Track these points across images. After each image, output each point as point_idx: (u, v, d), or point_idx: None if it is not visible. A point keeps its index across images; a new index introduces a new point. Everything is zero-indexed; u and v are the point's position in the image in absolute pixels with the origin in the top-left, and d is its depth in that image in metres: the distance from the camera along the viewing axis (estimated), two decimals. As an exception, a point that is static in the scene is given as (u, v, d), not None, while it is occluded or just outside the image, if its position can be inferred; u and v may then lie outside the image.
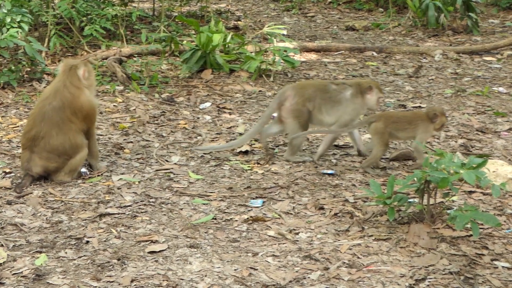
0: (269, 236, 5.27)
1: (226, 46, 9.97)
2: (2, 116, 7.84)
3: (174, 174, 6.41)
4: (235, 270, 4.78)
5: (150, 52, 10.32)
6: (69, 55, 10.19)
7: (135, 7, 12.73)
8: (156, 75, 9.21)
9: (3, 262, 4.82)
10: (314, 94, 6.70)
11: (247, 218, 5.53)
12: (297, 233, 5.32)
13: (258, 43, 10.35)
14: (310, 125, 6.78)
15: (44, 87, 8.72)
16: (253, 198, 5.89)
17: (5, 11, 8.71)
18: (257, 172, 6.50)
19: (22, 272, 4.71)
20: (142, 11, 12.18)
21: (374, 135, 6.49)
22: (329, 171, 6.48)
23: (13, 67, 8.85)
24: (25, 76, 8.99)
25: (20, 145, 6.59)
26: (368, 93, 6.69)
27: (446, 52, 10.97)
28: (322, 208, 5.72)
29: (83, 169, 6.31)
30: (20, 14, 8.80)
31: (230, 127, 7.66)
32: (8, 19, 8.64)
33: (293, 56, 10.04)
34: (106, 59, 9.87)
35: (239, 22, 13.08)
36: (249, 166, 6.61)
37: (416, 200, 5.48)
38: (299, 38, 11.89)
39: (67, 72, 6.24)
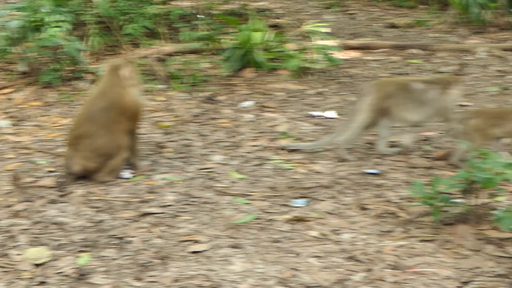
0: (312, 236, 5.24)
1: (267, 44, 9.93)
2: (45, 115, 7.90)
3: (216, 173, 6.40)
4: (277, 271, 4.76)
5: (191, 50, 10.33)
6: (109, 54, 10.23)
7: (175, 5, 12.76)
8: (197, 74, 9.22)
9: (47, 261, 4.83)
10: (395, 91, 6.70)
11: (290, 218, 5.50)
12: (340, 234, 5.28)
13: (299, 41, 10.31)
14: (389, 123, 6.75)
15: (86, 86, 8.77)
16: (296, 198, 5.87)
17: (46, 11, 8.77)
18: (299, 171, 6.46)
19: (64, 271, 4.72)
20: (182, 10, 12.19)
21: (474, 132, 6.38)
22: (373, 171, 6.43)
23: (54, 66, 8.90)
24: (66, 75, 9.05)
25: (64, 143, 6.63)
26: (454, 88, 6.67)
27: (490, 49, 10.83)
28: (365, 208, 5.68)
29: (127, 174, 6.31)
30: (61, 13, 8.87)
31: (271, 126, 7.64)
32: (49, 19, 8.70)
33: (335, 54, 9.98)
34: (146, 57, 9.90)
35: (279, 20, 13.04)
36: (291, 165, 6.58)
37: (461, 200, 5.41)
38: (340, 36, 11.81)
39: (111, 72, 6.27)
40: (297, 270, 4.78)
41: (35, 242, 5.09)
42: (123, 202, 5.78)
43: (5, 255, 4.92)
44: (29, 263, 4.80)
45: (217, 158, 6.75)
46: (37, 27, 8.76)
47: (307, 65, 9.45)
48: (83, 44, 9.74)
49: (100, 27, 10.40)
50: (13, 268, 4.75)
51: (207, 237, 5.20)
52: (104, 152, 6.11)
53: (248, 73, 9.45)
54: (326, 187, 6.09)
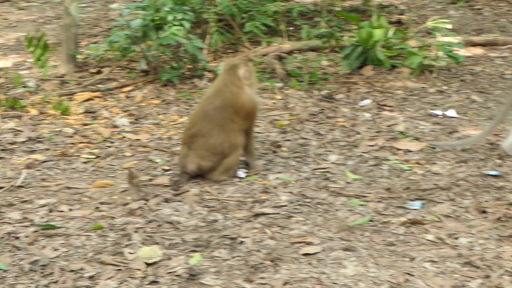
0: (428, 240, 5.09)
1: (388, 41, 9.77)
2: (164, 113, 7.99)
3: (331, 173, 6.32)
4: (390, 275, 4.64)
5: (310, 48, 10.25)
6: (229, 52, 10.28)
7: (297, 2, 12.72)
8: (316, 72, 9.14)
9: (159, 260, 4.87)
10: None
11: (405, 220, 5.36)
12: (457, 238, 5.11)
13: (421, 38, 10.08)
14: None
15: (205, 84, 8.83)
16: (412, 200, 5.72)
17: (167, 9, 8.86)
18: (417, 172, 6.31)
19: (176, 271, 4.74)
20: (303, 7, 12.13)
21: None
22: (493, 172, 6.21)
23: (174, 65, 9.01)
24: (186, 73, 9.14)
25: (179, 142, 6.69)
26: None
27: None
28: (484, 212, 5.48)
29: (241, 174, 6.31)
30: (182, 12, 8.93)
31: (390, 125, 7.49)
32: (170, 17, 8.79)
33: (458, 51, 9.71)
34: (266, 55, 9.88)
35: (402, 16, 12.80)
36: (408, 166, 6.43)
37: None
38: (465, 32, 11.49)
39: (228, 71, 6.28)
40: (411, 275, 4.65)
41: (148, 241, 5.14)
42: (236, 202, 5.78)
43: (119, 253, 4.98)
44: (141, 262, 4.84)
45: (333, 158, 6.66)
46: (159, 25, 8.86)
47: (428, 62, 9.23)
48: (204, 42, 9.82)
49: (221, 25, 10.46)
50: (126, 266, 4.80)
51: (319, 239, 5.13)
52: (219, 151, 6.12)
53: (368, 71, 9.31)
54: (444, 189, 5.91)
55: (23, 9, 14.14)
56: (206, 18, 10.16)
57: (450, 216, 5.44)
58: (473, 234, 5.16)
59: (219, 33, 10.05)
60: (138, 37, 8.94)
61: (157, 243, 5.10)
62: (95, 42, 10.91)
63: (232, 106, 6.14)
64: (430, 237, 5.13)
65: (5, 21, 12.91)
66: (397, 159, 6.60)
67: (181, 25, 8.86)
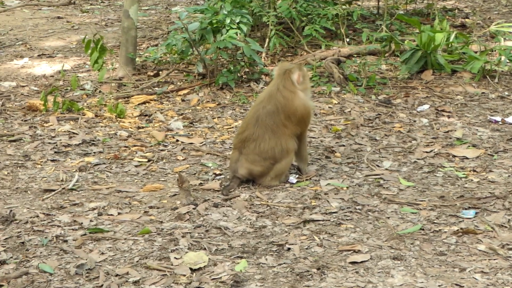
0: (479, 250, 4.98)
1: (449, 45, 9.62)
2: (218, 117, 7.99)
3: (384, 180, 6.24)
4: (439, 286, 4.55)
5: (370, 52, 10.16)
6: (288, 56, 10.24)
7: (359, 5, 12.61)
8: (374, 76, 9.04)
9: (204, 266, 4.85)
10: None
11: (457, 229, 5.26)
12: (511, 249, 4.98)
13: (484, 42, 9.90)
14: None
15: (262, 88, 8.81)
16: (466, 209, 5.61)
17: (225, 13, 8.87)
18: (472, 180, 6.18)
19: (221, 277, 4.73)
20: (365, 10, 12.03)
21: None
22: (552, 182, 6.05)
23: (231, 68, 9.01)
24: (243, 77, 9.13)
25: (232, 146, 6.68)
26: None
27: None
28: (540, 222, 5.34)
29: (293, 179, 6.27)
30: (240, 15, 8.92)
31: (447, 131, 7.37)
32: (228, 20, 8.80)
33: (521, 55, 9.50)
34: (324, 59, 9.82)
35: (466, 20, 12.60)
36: (464, 174, 6.31)
37: None
38: (531, 36, 11.25)
39: (281, 76, 6.25)
40: (460, 286, 4.55)
41: (195, 246, 5.14)
42: (286, 207, 5.74)
43: (165, 258, 4.98)
44: (187, 267, 4.83)
45: (387, 164, 6.58)
46: (217, 28, 8.88)
47: (490, 67, 9.06)
48: (262, 46, 9.81)
49: (280, 29, 10.43)
50: (171, 272, 4.80)
51: (368, 247, 5.06)
52: (270, 156, 6.09)
53: (427, 75, 9.18)
54: (500, 197, 5.78)
55: (86, 12, 14.33)
56: (265, 21, 10.14)
57: (504, 226, 5.32)
58: (527, 245, 5.03)
59: (278, 36, 10.02)
60: (196, 40, 8.97)
61: (203, 249, 5.09)
62: (155, 45, 10.98)
63: (284, 110, 6.10)
64: (482, 247, 5.02)
65: (68, 24, 13.08)
66: (452, 166, 6.48)
67: (239, 28, 8.85)
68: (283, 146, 6.12)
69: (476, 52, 9.47)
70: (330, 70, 9.28)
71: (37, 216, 5.61)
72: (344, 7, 11.21)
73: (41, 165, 6.70)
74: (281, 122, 6.10)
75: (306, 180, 6.28)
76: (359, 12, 11.15)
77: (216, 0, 9.22)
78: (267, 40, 10.11)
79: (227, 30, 8.80)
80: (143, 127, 7.71)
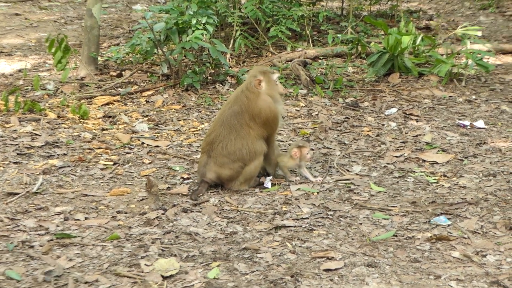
0: (454, 257, 4.99)
1: (416, 48, 9.68)
2: (184, 119, 7.94)
3: (355, 185, 6.24)
4: (414, 294, 4.55)
5: (336, 54, 10.19)
6: (253, 57, 10.23)
7: (323, 6, 12.64)
8: (341, 79, 9.06)
9: (176, 273, 4.79)
10: None
11: (431, 236, 5.26)
12: (485, 256, 5.00)
13: (450, 45, 9.98)
14: None
15: (227, 89, 8.78)
16: (438, 215, 5.62)
17: (191, 13, 8.83)
18: (443, 185, 6.21)
19: (193, 285, 4.67)
20: (330, 11, 12.06)
21: None
22: (524, 187, 6.10)
23: (197, 69, 8.96)
24: (208, 78, 9.09)
25: (199, 149, 6.64)
26: None
27: None
28: (514, 229, 5.38)
29: (268, 183, 6.25)
30: (206, 15, 8.88)
31: (416, 135, 7.40)
32: (194, 21, 8.75)
33: (488, 59, 9.59)
34: (291, 61, 9.82)
35: (431, 22, 12.70)
36: (435, 179, 6.33)
37: None
38: (495, 39, 11.38)
39: (248, 78, 6.25)
40: (436, 294, 4.56)
41: (165, 252, 5.07)
42: (257, 213, 5.70)
43: (135, 264, 4.91)
44: (158, 274, 4.76)
45: (357, 168, 6.58)
46: (182, 29, 8.82)
47: (457, 70, 9.12)
48: (227, 47, 9.77)
49: (245, 29, 10.41)
50: (141, 279, 4.73)
51: (341, 254, 5.04)
52: (238, 157, 6.06)
53: (394, 78, 9.22)
54: (472, 203, 5.81)
55: (45, 9, 14.17)
56: (230, 22, 10.12)
57: (478, 232, 5.34)
58: (501, 251, 5.05)
59: (243, 37, 10.00)
60: (161, 40, 8.91)
61: (174, 255, 5.03)
62: (117, 44, 10.90)
63: (248, 111, 6.09)
64: (456, 254, 5.03)
65: (27, 21, 12.92)
66: (423, 171, 6.51)
67: (205, 29, 8.81)
68: (250, 147, 6.09)
69: (442, 55, 9.54)
70: (296, 72, 9.28)
71: (1, 221, 5.51)
72: (308, 7, 11.23)
73: (4, 167, 6.59)
74: (245, 123, 6.09)
75: (276, 184, 6.25)
76: (325, 13, 11.18)
77: (181, 0, 9.16)
78: (231, 40, 10.09)
79: (193, 31, 8.76)
80: (107, 129, 7.63)
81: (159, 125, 7.75)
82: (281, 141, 7.19)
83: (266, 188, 6.21)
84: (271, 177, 6.36)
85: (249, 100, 6.10)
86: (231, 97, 6.31)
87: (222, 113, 6.19)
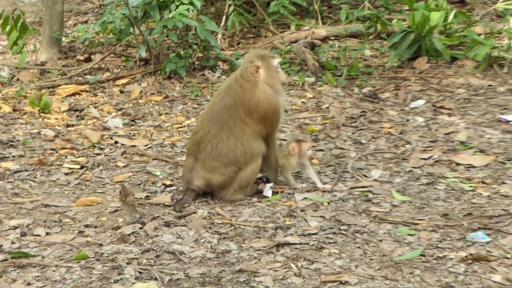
0: (494, 282, 4.99)
1: (447, 27, 9.68)
2: (166, 113, 7.96)
3: (373, 193, 6.25)
4: (446, 326, 4.56)
5: (351, 34, 10.20)
6: (250, 37, 10.25)
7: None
8: (357, 64, 9.07)
9: (156, 301, 4.81)
10: None
11: (466, 256, 5.27)
12: (531, 280, 5.01)
13: (489, 23, 9.98)
14: None
15: (218, 77, 8.78)
16: (475, 230, 5.62)
17: (175, -16, 8.83)
18: (481, 194, 6.22)
19: (177, 315, 4.69)
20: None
21: None
22: None
23: (181, 53, 8.96)
24: (195, 63, 9.10)
25: (185, 150, 6.64)
26: None
27: None
28: None
29: (268, 191, 6.26)
30: (192, -13, 8.89)
31: (448, 133, 7.42)
32: (178, -6, 8.77)
33: (534, 40, 9.61)
34: (295, 42, 9.83)
35: (466, -6, 12.72)
36: (471, 186, 6.34)
37: None
38: (544, 16, 11.39)
39: (244, 64, 6.24)
40: (472, 326, 4.57)
41: (143, 275, 5.08)
42: (254, 227, 5.71)
43: (107, 290, 4.93)
44: (132, 301, 4.78)
45: (376, 173, 6.59)
46: (164, 4, 8.81)
47: (498, 54, 9.13)
48: (218, 25, 9.78)
49: (241, 4, 10.42)
50: (114, 307, 4.75)
51: (357, 278, 5.05)
52: (232, 160, 6.06)
53: (421, 63, 9.24)
54: (516, 216, 5.84)
55: (-3, -21, 14.19)
56: (222, -5, 10.16)
57: (523, 252, 5.36)
58: (551, 275, 5.07)
59: (238, 13, 10.00)
60: (138, 17, 8.91)
61: (154, 279, 5.03)
62: (85, 22, 10.92)
63: (242, 103, 6.07)
64: (497, 277, 5.03)
65: (-25, -6, 12.95)
66: (456, 177, 6.52)
67: (191, 3, 8.81)
68: (246, 148, 6.08)
69: (480, 35, 9.54)
70: (302, 56, 9.29)
71: None
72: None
73: None
74: (239, 118, 6.07)
75: (278, 193, 6.26)
76: (337, -16, 11.19)
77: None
78: (223, 18, 10.10)
79: (177, 6, 8.76)
80: (73, 125, 7.65)
81: (136, 121, 7.76)
82: (284, 139, 7.19)
83: (266, 197, 6.22)
84: (271, 183, 6.35)
85: (244, 90, 6.09)
86: (222, 87, 6.31)
87: (211, 106, 6.19)
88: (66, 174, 6.62)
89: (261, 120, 6.12)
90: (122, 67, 9.17)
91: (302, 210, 5.96)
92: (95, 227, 5.71)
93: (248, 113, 6.08)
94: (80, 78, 8.82)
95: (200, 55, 9.20)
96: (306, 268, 5.18)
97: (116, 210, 5.94)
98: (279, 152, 6.41)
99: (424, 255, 5.31)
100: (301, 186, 6.33)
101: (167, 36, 8.87)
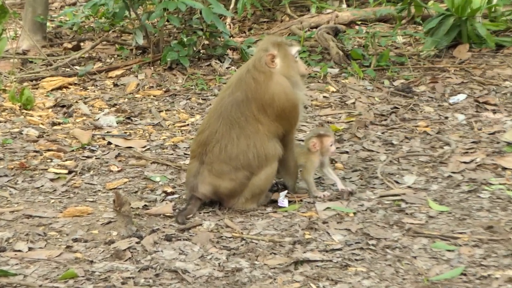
0: (546, 305, 5.00)
1: (492, 9, 9.68)
2: (167, 110, 7.97)
3: (406, 202, 6.25)
4: None
5: (380, 18, 10.21)
6: (264, 22, 10.26)
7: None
8: (387, 53, 9.07)
9: (155, 327, 4.83)
10: None
11: (514, 276, 5.27)
12: None
13: (541, 6, 10.01)
14: None
15: (227, 68, 8.79)
16: (524, 244, 5.63)
17: (177, -39, 8.85)
18: (532, 203, 6.23)
19: None
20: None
21: None
22: None
23: (185, 40, 8.97)
24: (201, 52, 9.11)
25: (189, 152, 6.65)
26: None
27: None
28: None
29: (284, 201, 6.26)
30: (197, -36, 8.91)
31: (493, 133, 7.41)
32: (180, -28, 8.78)
33: None
34: (316, 28, 9.84)
35: (513, -28, 12.73)
36: (520, 194, 6.36)
37: None
38: None
39: (257, 53, 6.23)
40: None
41: (141, 297, 5.10)
42: (269, 242, 5.70)
43: (99, 314, 4.95)
44: (130, 328, 4.80)
45: (409, 179, 6.59)
46: (164, -17, 8.85)
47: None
48: (227, 8, 9.79)
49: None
50: (107, 334, 4.77)
51: (388, 300, 5.06)
52: (243, 164, 6.06)
53: (463, 52, 9.24)
54: None
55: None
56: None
57: None
58: None
59: (250, -5, 10.03)
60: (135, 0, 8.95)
61: (153, 302, 5.06)
62: (73, 4, 10.95)
63: (255, 98, 6.06)
64: (552, 303, 5.04)
65: None
66: (503, 183, 6.51)
67: (196, -18, 8.84)
68: (259, 149, 6.08)
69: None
70: (324, 44, 9.30)
71: None
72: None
73: None
74: (252, 115, 6.06)
75: (296, 202, 6.26)
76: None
77: None
78: (233, 0, 10.12)
79: (181, -14, 8.77)
80: (59, 124, 7.66)
81: (132, 118, 7.78)
82: (302, 140, 7.19)
83: (282, 207, 6.21)
84: (286, 191, 6.35)
85: (257, 83, 6.09)
86: (232, 79, 6.31)
87: (220, 102, 6.19)
88: (51, 180, 6.64)
89: (277, 117, 6.12)
90: (116, 56, 9.19)
91: (324, 222, 5.96)
92: (85, 241, 5.72)
93: (262, 109, 6.07)
94: (68, 69, 8.85)
95: (206, 42, 9.21)
96: (329, 288, 5.19)
97: (110, 222, 5.96)
98: (298, 150, 6.40)
99: (465, 274, 5.30)
100: (322, 194, 6.33)
101: (167, 21, 8.88)
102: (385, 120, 7.72)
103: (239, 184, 6.09)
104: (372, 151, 7.11)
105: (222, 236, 5.79)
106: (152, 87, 8.45)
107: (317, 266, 5.42)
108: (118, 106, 8.01)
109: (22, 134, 7.41)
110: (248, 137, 6.06)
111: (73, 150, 7.13)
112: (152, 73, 8.72)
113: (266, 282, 5.25)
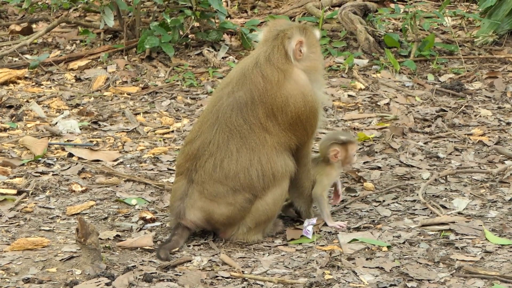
0: None
1: None
2: (145, 112, 8.01)
3: (456, 233, 6.29)
4: None
5: (421, -6, 10.28)
6: (266, 2, 10.30)
7: None
8: (432, 39, 9.12)
9: None
10: None
11: None
12: None
13: None
14: None
15: (223, 58, 8.85)
16: None
17: None
18: None
19: None
20: None
21: None
22: None
23: (168, 21, 9.01)
24: (189, 37, 9.15)
25: (174, 168, 6.69)
26: None
27: None
28: None
29: (309, 228, 6.29)
30: None
31: None
32: None
33: None
34: (339, 6, 9.89)
35: None
36: None
37: None
38: None
39: (269, 42, 6.23)
40: None
41: None
42: (278, 284, 5.75)
43: None
44: None
45: (461, 203, 6.63)
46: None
47: None
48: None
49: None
50: None
51: None
52: (244, 184, 6.09)
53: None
54: None
55: None
56: None
57: None
58: None
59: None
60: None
61: None
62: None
63: (263, 101, 6.07)
64: None
65: None
66: None
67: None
68: (265, 166, 6.10)
69: None
70: (350, 27, 9.35)
71: None
72: None
73: None
74: (258, 123, 6.07)
75: (314, 233, 6.29)
76: None
77: None
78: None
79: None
80: (5, 129, 7.71)
81: (100, 123, 7.82)
82: (316, 151, 7.21)
83: (305, 237, 6.24)
84: (314, 219, 6.36)
85: (268, 81, 6.09)
86: (232, 75, 6.32)
87: (215, 104, 6.21)
88: (-5, 203, 6.69)
89: (291, 125, 6.14)
90: (78, 42, 9.24)
91: (349, 258, 6.01)
92: (40, 282, 5.76)
93: (272, 115, 6.09)
94: (16, 59, 8.90)
95: (196, 25, 9.25)
96: None
97: (72, 257, 6.00)
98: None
99: (534, 329, 5.37)
100: (337, 224, 6.36)
101: (145, -2, 8.96)
102: (429, 126, 7.76)
103: (239, 209, 6.13)
104: (412, 166, 7.15)
105: (217, 276, 5.83)
106: (126, 82, 8.50)
107: (341, 316, 5.49)
108: (81, 107, 8.06)
109: (-43, 143, 7.47)
110: (252, 150, 6.10)
111: (23, 164, 7.17)
112: (126, 64, 8.76)
113: (274, 338, 5.33)
